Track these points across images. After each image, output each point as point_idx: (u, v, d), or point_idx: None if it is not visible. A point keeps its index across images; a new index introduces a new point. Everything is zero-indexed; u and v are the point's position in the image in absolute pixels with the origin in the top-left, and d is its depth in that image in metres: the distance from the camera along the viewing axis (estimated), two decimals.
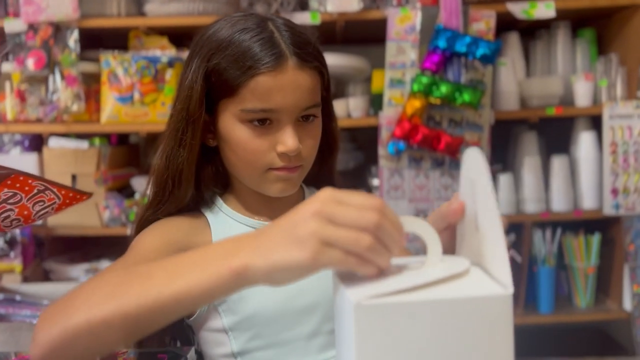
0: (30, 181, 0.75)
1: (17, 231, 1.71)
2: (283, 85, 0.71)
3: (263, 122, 0.73)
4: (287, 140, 0.72)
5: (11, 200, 0.74)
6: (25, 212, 0.76)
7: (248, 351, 0.75)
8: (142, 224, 0.78)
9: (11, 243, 1.71)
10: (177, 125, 0.76)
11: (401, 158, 1.70)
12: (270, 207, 0.80)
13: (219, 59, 0.72)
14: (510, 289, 0.44)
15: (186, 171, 0.76)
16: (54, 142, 1.79)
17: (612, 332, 1.94)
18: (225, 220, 0.80)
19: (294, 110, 0.73)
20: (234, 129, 0.74)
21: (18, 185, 0.74)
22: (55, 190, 0.77)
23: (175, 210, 0.78)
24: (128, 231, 1.76)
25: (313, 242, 0.45)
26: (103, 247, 1.95)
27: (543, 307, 1.82)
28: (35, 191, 0.75)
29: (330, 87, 0.81)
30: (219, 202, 0.81)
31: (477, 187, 0.49)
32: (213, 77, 0.73)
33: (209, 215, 0.80)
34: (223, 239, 0.52)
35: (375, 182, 1.77)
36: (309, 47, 0.73)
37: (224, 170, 0.80)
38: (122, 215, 1.78)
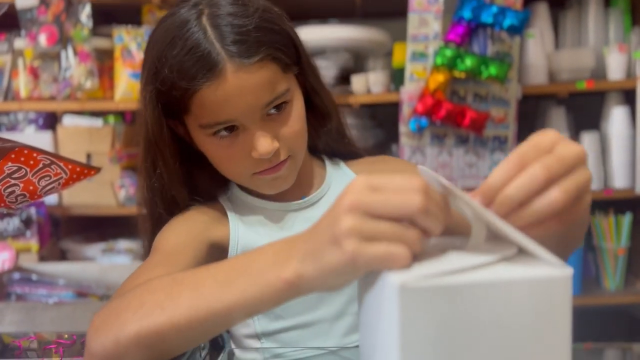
0: (35, 155, 0.71)
1: (33, 210, 1.70)
2: (227, 94, 0.63)
3: (230, 129, 0.67)
4: (259, 145, 0.66)
5: (16, 175, 0.71)
6: (31, 188, 0.72)
7: (272, 332, 0.73)
8: (152, 238, 0.74)
9: (27, 222, 1.70)
10: (145, 155, 0.71)
11: (423, 135, 1.64)
12: (286, 190, 0.76)
13: (159, 81, 0.66)
14: (569, 269, 0.40)
15: (177, 194, 0.72)
16: (68, 120, 1.76)
17: None
18: (242, 206, 0.77)
19: (253, 113, 0.66)
20: (204, 143, 0.69)
21: (23, 159, 0.71)
22: (61, 164, 0.73)
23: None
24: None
25: (351, 240, 0.41)
26: (119, 227, 1.93)
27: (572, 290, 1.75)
28: (41, 165, 0.72)
29: (303, 59, 0.72)
30: (235, 188, 0.78)
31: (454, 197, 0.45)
32: (161, 98, 0.67)
33: (225, 203, 0.77)
34: (269, 243, 0.49)
35: None
36: (249, 36, 0.64)
37: None
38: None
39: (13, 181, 0.71)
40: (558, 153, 0.44)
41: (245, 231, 0.74)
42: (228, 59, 0.63)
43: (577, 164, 0.44)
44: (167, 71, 0.65)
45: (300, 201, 0.76)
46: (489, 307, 0.40)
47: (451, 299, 0.39)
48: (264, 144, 0.66)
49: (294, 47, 0.70)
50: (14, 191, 0.72)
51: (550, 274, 0.41)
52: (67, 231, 1.84)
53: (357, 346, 0.72)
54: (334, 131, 0.80)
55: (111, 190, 1.75)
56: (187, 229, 0.71)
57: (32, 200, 0.75)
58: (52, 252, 1.78)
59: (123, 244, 1.79)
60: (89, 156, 1.75)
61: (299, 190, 0.76)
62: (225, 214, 0.75)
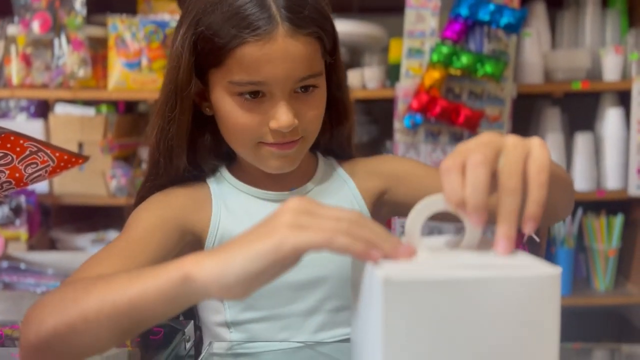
0: (22, 142, 0.70)
1: (23, 199, 1.69)
2: (272, 55, 0.65)
3: (255, 94, 0.67)
4: (281, 116, 0.67)
5: (1, 162, 0.70)
6: (17, 175, 0.71)
7: (241, 322, 0.73)
8: (141, 199, 0.75)
9: (16, 211, 1.69)
10: (166, 99, 0.71)
11: (418, 132, 1.63)
12: (276, 179, 0.75)
13: (204, 25, 0.66)
14: (558, 268, 0.40)
15: (176, 148, 0.72)
16: (60, 109, 1.75)
17: (632, 316, 1.88)
18: (229, 190, 0.76)
19: (286, 83, 0.67)
20: (224, 102, 0.69)
21: (9, 145, 0.70)
22: (48, 152, 0.72)
23: (169, 183, 0.74)
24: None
25: (283, 228, 0.42)
26: (110, 217, 1.92)
27: (560, 290, 1.76)
28: (28, 152, 0.71)
29: (337, 53, 0.75)
30: (224, 171, 0.77)
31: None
32: (200, 45, 0.67)
33: (212, 185, 0.76)
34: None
35: None
36: (304, 10, 0.67)
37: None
38: (129, 185, 1.74)
39: None
40: (479, 140, 0.46)
41: (227, 217, 0.73)
42: (281, 23, 0.65)
43: (502, 138, 0.46)
44: (218, 15, 0.66)
45: (287, 192, 0.75)
46: (476, 304, 0.39)
47: (437, 294, 0.39)
48: (286, 116, 0.67)
49: (334, 40, 0.73)
50: None
51: (539, 272, 0.41)
52: (57, 220, 1.83)
53: (329, 342, 0.72)
54: (345, 136, 0.81)
55: (102, 180, 1.74)
56: (162, 211, 0.70)
57: (18, 188, 0.74)
58: (42, 241, 1.76)
59: (113, 234, 1.78)
60: (80, 145, 1.73)
61: (288, 181, 0.76)
62: (210, 198, 0.75)
